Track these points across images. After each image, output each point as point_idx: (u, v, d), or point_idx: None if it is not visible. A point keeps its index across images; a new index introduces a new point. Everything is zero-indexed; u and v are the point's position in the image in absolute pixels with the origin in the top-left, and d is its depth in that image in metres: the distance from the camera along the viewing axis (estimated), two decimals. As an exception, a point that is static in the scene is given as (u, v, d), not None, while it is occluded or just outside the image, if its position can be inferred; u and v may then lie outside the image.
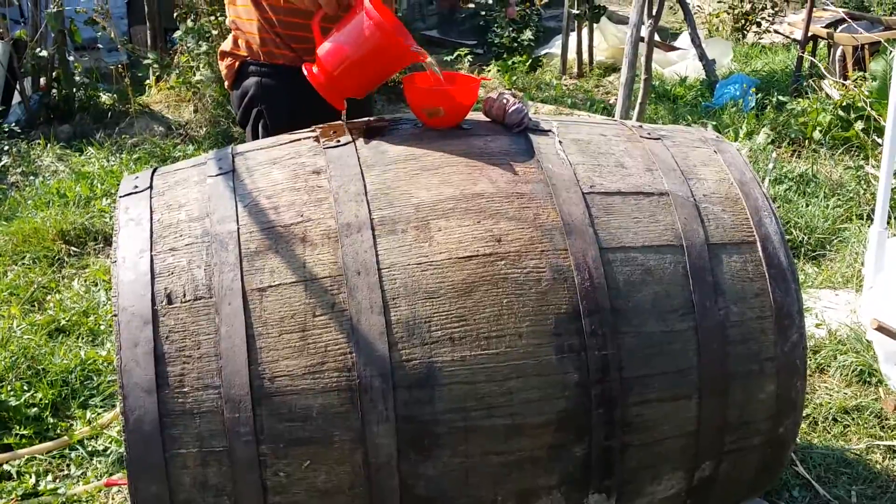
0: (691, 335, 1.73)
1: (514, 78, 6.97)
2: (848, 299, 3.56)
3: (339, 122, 1.94)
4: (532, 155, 1.84)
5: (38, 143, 5.41)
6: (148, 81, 6.33)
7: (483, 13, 7.78)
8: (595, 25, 7.19)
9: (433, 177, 1.76)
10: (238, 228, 1.67)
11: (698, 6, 8.41)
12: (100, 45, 6.67)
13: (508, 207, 1.73)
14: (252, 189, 1.74)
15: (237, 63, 2.37)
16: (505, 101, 1.90)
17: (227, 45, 2.39)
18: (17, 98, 5.86)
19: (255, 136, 2.39)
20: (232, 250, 1.64)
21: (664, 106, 6.15)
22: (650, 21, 4.40)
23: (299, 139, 1.90)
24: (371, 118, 2.01)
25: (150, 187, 1.80)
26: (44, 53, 5.58)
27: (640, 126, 2.05)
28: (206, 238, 1.66)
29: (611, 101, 6.36)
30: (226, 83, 2.44)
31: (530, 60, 7.33)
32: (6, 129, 5.35)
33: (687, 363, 1.73)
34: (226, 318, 1.59)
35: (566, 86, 6.99)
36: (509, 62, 7.18)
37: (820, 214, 4.14)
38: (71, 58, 5.77)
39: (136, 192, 1.79)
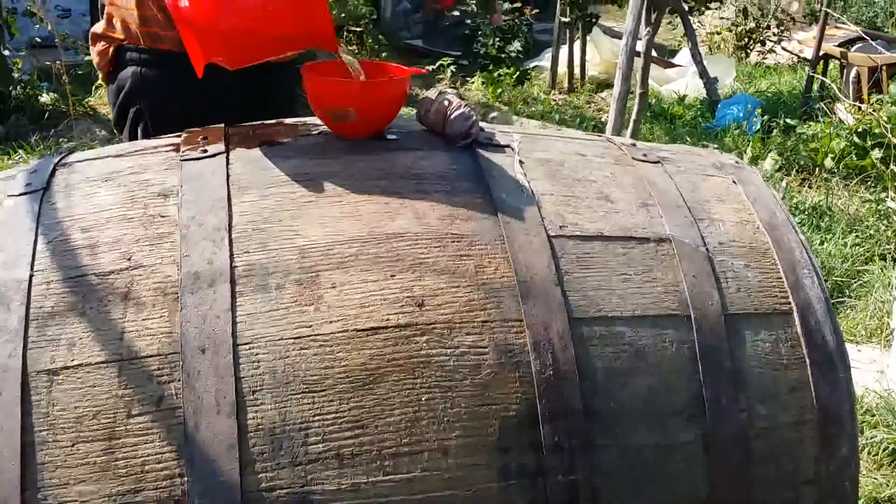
0: (699, 450, 1.19)
1: (500, 91, 6.45)
2: (873, 356, 3.02)
3: (219, 125, 1.40)
4: (480, 179, 1.30)
5: (-36, 145, 4.86)
6: (98, 82, 5.78)
7: (469, 21, 7.25)
8: (588, 38, 6.68)
9: (332, 207, 1.22)
10: (31, 276, 1.12)
11: (698, 23, 7.91)
12: (51, 43, 6.12)
13: (439, 255, 1.18)
14: (64, 217, 1.19)
15: (111, 48, 1.82)
16: (446, 102, 1.36)
17: (99, 26, 1.85)
18: (-51, 95, 5.32)
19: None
20: (15, 309, 1.09)
21: (661, 125, 5.64)
22: (648, 30, 3.89)
23: (156, 147, 1.35)
24: (265, 122, 1.47)
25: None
26: (-30, 47, 5.04)
27: (633, 144, 1.52)
28: (-18, 289, 1.11)
29: (602, 119, 5.84)
30: (100, 75, 1.90)
31: (518, 73, 6.80)
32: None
33: (693, 491, 1.18)
34: (-11, 416, 1.03)
35: (555, 101, 6.47)
36: (495, 74, 6.65)
37: (837, 253, 3.60)
38: (7, 52, 5.21)
39: None
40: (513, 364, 1.13)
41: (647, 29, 3.88)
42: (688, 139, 5.19)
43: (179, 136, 1.38)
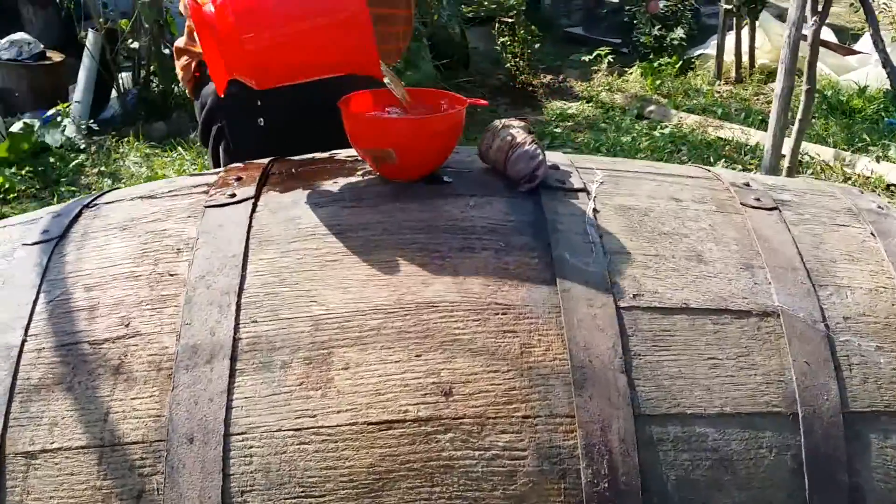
0: (800, 589, 0.94)
1: (659, 82, 6.07)
2: None
3: (262, 161, 1.26)
4: (540, 233, 1.09)
5: (127, 142, 5.04)
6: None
7: (626, 8, 6.88)
8: (757, 23, 6.17)
9: (359, 268, 1.05)
10: (23, 342, 1.01)
11: (885, 4, 7.16)
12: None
13: (477, 331, 0.99)
14: (71, 272, 1.08)
15: (194, 63, 1.73)
16: (509, 138, 1.16)
17: (181, 40, 1.76)
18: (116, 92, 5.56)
19: (217, 162, 1.76)
20: (1, 380, 0.99)
21: (836, 121, 5.11)
22: (815, 19, 3.47)
23: (190, 187, 1.23)
24: (315, 155, 1.31)
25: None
26: (135, 45, 5.21)
27: (747, 184, 1.25)
28: (-27, 355, 1.02)
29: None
30: (186, 90, 1.81)
31: (680, 62, 6.38)
32: (83, 126, 5.02)
33: None
34: (-41, 504, 0.94)
35: (719, 92, 6.02)
36: (655, 64, 6.27)
37: None
38: (167, 51, 5.37)
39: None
40: (557, 472, 0.93)
41: (814, 18, 3.46)
42: (866, 137, 4.67)
43: (219, 172, 1.25)
